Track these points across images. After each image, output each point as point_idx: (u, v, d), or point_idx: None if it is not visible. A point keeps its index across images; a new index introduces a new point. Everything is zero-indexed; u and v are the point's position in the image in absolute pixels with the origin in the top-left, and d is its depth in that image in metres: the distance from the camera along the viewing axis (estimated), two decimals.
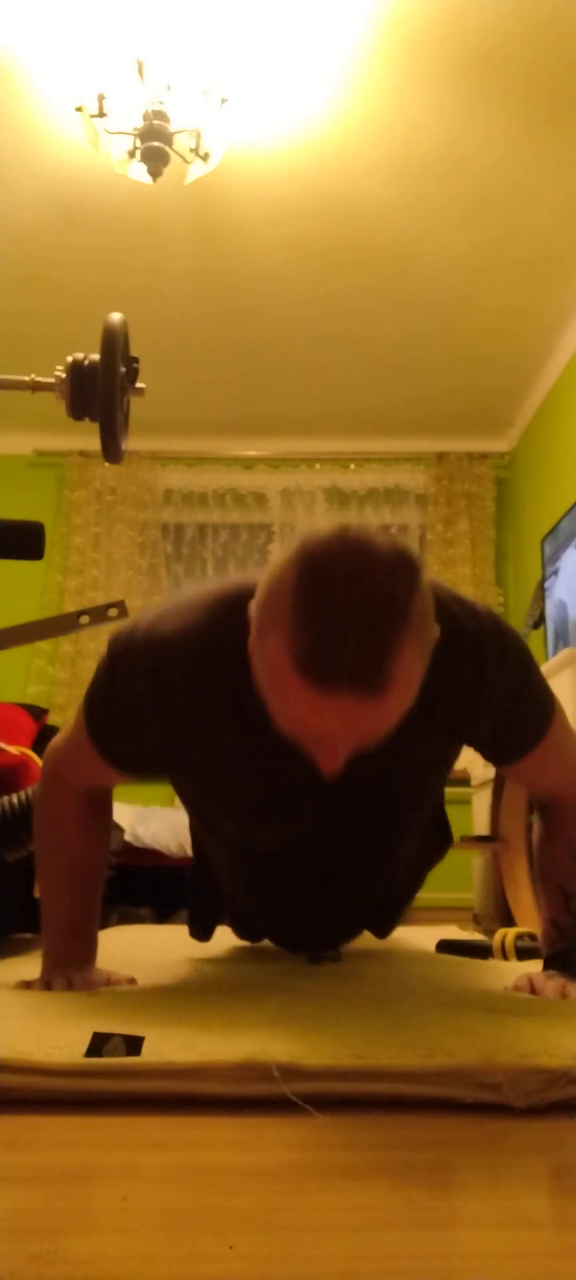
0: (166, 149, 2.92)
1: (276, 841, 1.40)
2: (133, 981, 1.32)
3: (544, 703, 1.32)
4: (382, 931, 1.80)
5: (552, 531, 4.10)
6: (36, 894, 1.43)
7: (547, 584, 4.12)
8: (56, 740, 1.44)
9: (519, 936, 1.85)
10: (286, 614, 0.98)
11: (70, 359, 1.69)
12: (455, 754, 1.40)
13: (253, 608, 1.06)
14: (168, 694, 1.23)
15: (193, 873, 1.75)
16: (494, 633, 1.26)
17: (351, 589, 0.95)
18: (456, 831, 1.81)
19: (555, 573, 4.03)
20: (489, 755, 1.38)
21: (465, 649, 1.22)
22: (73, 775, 1.38)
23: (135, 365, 1.75)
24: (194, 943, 1.84)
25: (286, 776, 1.17)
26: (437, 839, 1.72)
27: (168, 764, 1.38)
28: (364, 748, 1.05)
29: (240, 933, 1.86)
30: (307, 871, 1.46)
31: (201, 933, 1.81)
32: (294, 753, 1.08)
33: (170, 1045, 0.84)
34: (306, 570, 0.98)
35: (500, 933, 1.90)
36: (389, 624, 0.95)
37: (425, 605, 1.01)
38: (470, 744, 1.35)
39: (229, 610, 1.19)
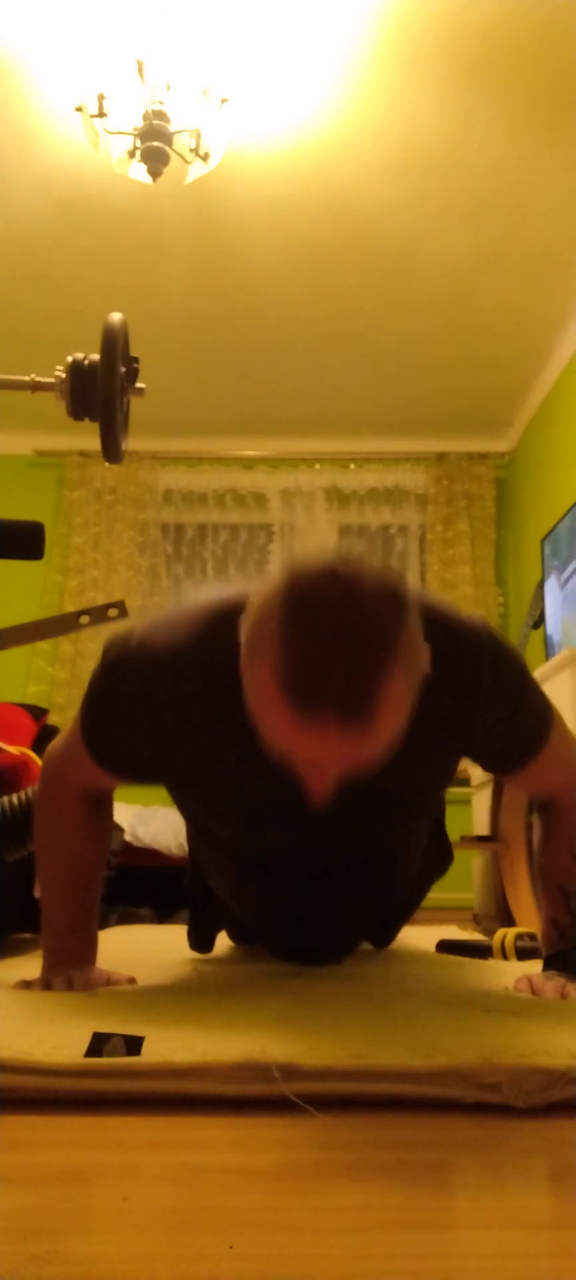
0: (166, 149, 2.92)
1: (274, 842, 1.40)
2: (133, 981, 1.32)
3: (541, 713, 1.32)
4: (380, 942, 1.80)
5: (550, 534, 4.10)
6: (36, 894, 1.43)
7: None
8: (56, 743, 1.44)
9: (519, 936, 1.85)
10: (274, 639, 0.98)
11: (70, 359, 1.69)
12: (453, 765, 1.40)
13: (243, 628, 1.06)
14: (159, 705, 1.23)
15: (190, 884, 1.76)
16: (490, 647, 1.26)
17: (338, 616, 0.96)
18: (456, 832, 1.81)
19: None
20: (488, 766, 1.39)
21: (461, 664, 1.23)
22: (72, 777, 1.38)
23: (135, 365, 1.75)
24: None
25: (280, 789, 1.17)
26: (438, 856, 1.72)
27: (161, 773, 1.39)
28: (353, 777, 1.05)
29: (237, 939, 1.86)
30: (304, 881, 1.46)
31: (201, 945, 1.81)
32: (287, 768, 1.08)
33: (170, 1045, 0.84)
34: (294, 597, 0.98)
35: (500, 933, 1.90)
36: (375, 651, 0.96)
37: (413, 637, 1.01)
38: (468, 756, 1.35)
39: (222, 624, 1.19)
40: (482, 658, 1.24)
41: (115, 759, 1.33)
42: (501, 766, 1.38)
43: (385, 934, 1.77)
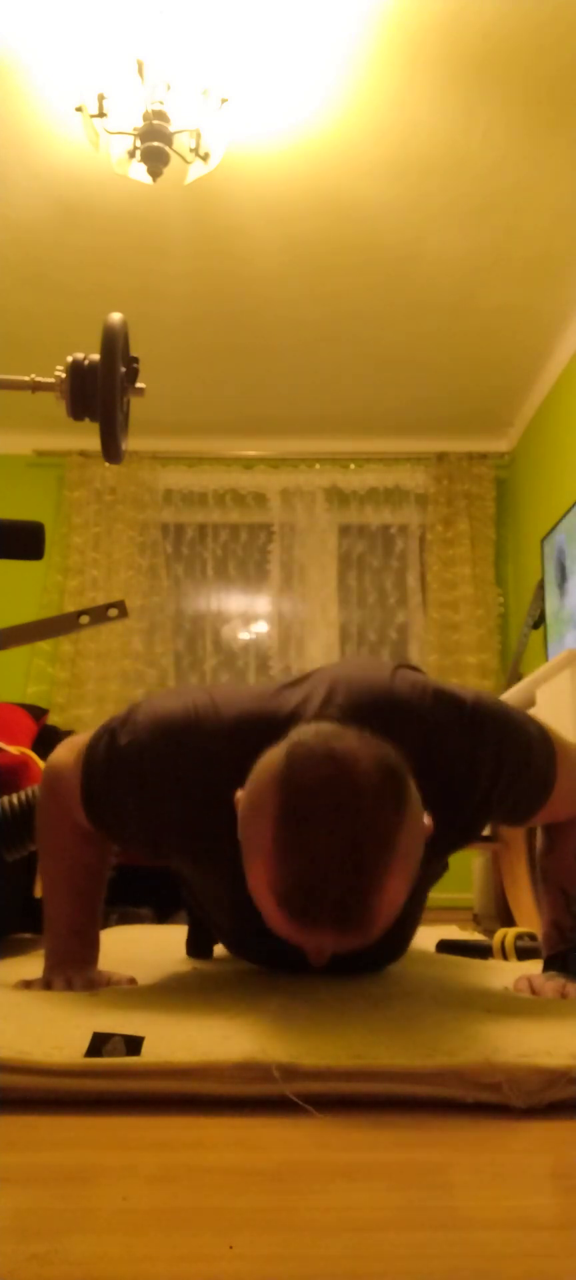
0: (166, 149, 2.92)
1: (267, 962, 1.42)
2: (133, 981, 1.32)
3: (545, 771, 1.29)
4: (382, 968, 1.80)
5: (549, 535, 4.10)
6: (37, 894, 1.43)
7: None
8: (59, 752, 1.41)
9: (519, 936, 1.85)
10: (268, 844, 0.96)
11: (70, 359, 1.69)
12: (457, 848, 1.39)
13: (239, 806, 1.04)
14: (160, 814, 1.24)
15: (186, 905, 1.76)
16: (493, 738, 1.23)
17: (334, 828, 0.93)
18: None
19: None
20: (498, 824, 1.39)
21: (462, 774, 1.21)
22: (73, 788, 1.38)
23: (135, 365, 1.75)
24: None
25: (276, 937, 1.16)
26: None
27: (161, 859, 1.41)
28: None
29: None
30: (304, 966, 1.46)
31: (200, 954, 1.81)
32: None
33: (170, 1045, 0.84)
34: (290, 799, 0.96)
35: (500, 933, 1.90)
36: (372, 864, 0.94)
37: (413, 816, 0.99)
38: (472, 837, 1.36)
39: (236, 743, 1.15)
40: (481, 753, 1.22)
41: (108, 829, 1.34)
42: (510, 824, 1.39)
43: (386, 962, 1.78)
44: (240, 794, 1.06)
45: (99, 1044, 0.81)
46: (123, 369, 1.66)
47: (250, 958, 1.47)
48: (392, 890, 0.96)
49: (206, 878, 1.34)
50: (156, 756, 1.22)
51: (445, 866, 1.74)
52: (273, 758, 1.01)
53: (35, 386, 1.76)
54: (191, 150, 2.99)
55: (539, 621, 4.20)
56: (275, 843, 0.96)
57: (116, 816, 1.30)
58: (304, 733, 1.03)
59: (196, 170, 3.03)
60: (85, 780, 1.30)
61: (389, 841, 0.95)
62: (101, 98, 2.90)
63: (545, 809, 1.32)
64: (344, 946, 0.99)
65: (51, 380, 1.71)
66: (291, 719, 1.15)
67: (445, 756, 1.20)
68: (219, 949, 1.87)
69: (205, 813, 1.20)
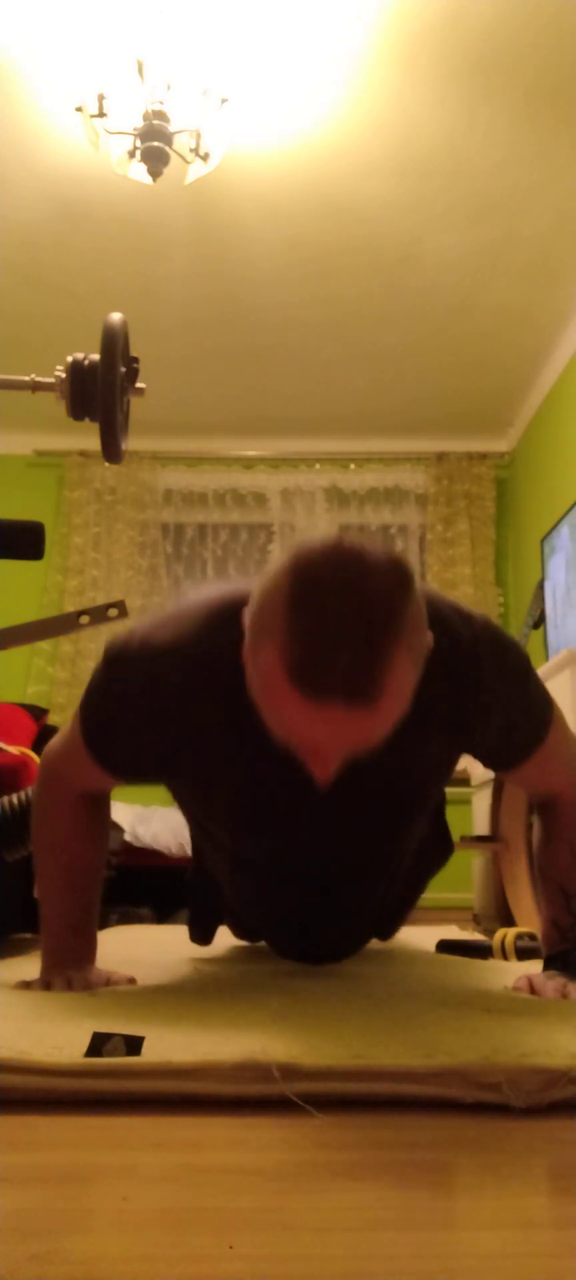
0: (166, 149, 2.92)
1: (274, 848, 1.40)
2: (133, 981, 1.32)
3: (542, 708, 1.32)
4: (384, 935, 1.80)
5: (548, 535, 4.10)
6: (36, 894, 1.43)
7: None
8: (53, 742, 1.43)
9: (519, 936, 1.85)
10: (279, 624, 0.98)
11: (70, 359, 1.69)
12: (454, 760, 1.39)
13: (247, 616, 1.06)
14: (162, 701, 1.23)
15: (192, 876, 1.75)
16: (490, 640, 1.26)
17: (344, 599, 0.96)
18: (456, 831, 1.81)
19: None
20: (488, 763, 1.38)
21: (461, 656, 1.23)
22: (70, 778, 1.38)
23: (135, 365, 1.75)
24: (194, 943, 1.84)
25: (282, 783, 1.17)
26: (439, 846, 1.71)
27: (162, 771, 1.38)
28: (358, 755, 1.05)
29: (239, 934, 1.86)
30: (306, 878, 1.45)
31: (202, 937, 1.81)
32: (289, 759, 1.08)
33: (170, 1045, 0.84)
34: (299, 580, 0.98)
35: (500, 933, 1.90)
36: (381, 634, 0.96)
37: (417, 614, 1.01)
38: (469, 751, 1.35)
39: (224, 618, 1.19)
40: (482, 650, 1.24)
41: (116, 758, 1.32)
42: (501, 762, 1.38)
43: (388, 927, 1.77)
44: (246, 610, 1.07)
45: (99, 1044, 0.81)
46: (123, 369, 1.66)
47: (256, 835, 1.42)
48: (399, 669, 0.97)
49: (213, 767, 1.31)
50: (154, 658, 1.23)
51: (449, 849, 1.74)
52: (279, 563, 1.03)
53: (35, 386, 1.76)
54: (191, 150, 2.99)
55: (539, 621, 4.20)
56: (285, 620, 0.97)
57: (122, 738, 1.29)
58: (308, 538, 1.05)
59: (196, 170, 3.03)
60: (85, 717, 1.31)
61: (396, 618, 0.97)
62: (101, 98, 2.90)
63: (535, 761, 1.33)
64: (353, 735, 1.00)
65: (51, 380, 1.71)
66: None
67: (451, 650, 1.20)
68: (218, 948, 1.88)
69: (206, 686, 1.22)
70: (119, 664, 1.26)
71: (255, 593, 1.05)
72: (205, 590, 1.32)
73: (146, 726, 1.26)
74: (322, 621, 0.95)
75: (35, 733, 2.70)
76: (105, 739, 1.31)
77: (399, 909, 1.73)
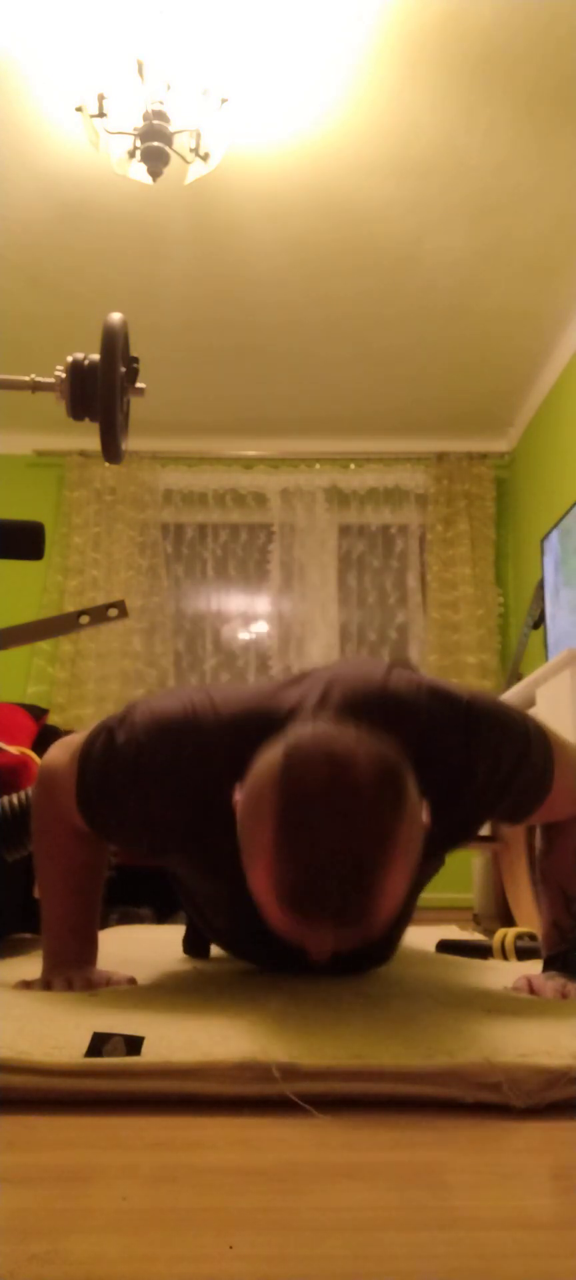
0: (166, 149, 2.92)
1: (266, 962, 1.42)
2: (133, 981, 1.32)
3: (544, 768, 1.29)
4: (383, 963, 1.80)
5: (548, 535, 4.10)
6: (36, 894, 1.43)
7: None
8: (54, 754, 1.40)
9: (519, 936, 1.85)
10: (269, 846, 0.97)
11: (70, 359, 1.69)
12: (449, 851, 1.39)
13: (238, 807, 1.05)
14: (157, 815, 1.23)
15: (184, 907, 1.76)
16: (485, 744, 1.22)
17: (333, 827, 0.94)
18: None
19: None
20: (496, 822, 1.38)
21: (458, 777, 1.21)
22: (67, 801, 1.37)
23: (135, 365, 1.75)
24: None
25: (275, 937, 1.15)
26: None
27: (157, 858, 1.40)
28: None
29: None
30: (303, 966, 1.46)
31: (197, 954, 1.81)
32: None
33: (170, 1045, 0.84)
34: (289, 799, 0.96)
35: (500, 933, 1.90)
36: (371, 862, 0.94)
37: (411, 816, 0.99)
38: (468, 837, 1.36)
39: (234, 741, 1.16)
40: (479, 753, 1.22)
41: (106, 832, 1.34)
42: (508, 821, 1.39)
43: (386, 954, 1.78)
44: (238, 794, 1.06)
45: (99, 1044, 0.81)
46: (123, 369, 1.66)
47: (248, 957, 1.47)
48: (392, 886, 0.97)
49: (204, 878, 1.34)
50: (154, 755, 1.21)
51: (441, 862, 1.74)
52: (270, 758, 1.01)
53: (35, 386, 1.76)
54: (191, 150, 2.99)
55: (539, 621, 4.20)
56: (275, 845, 0.96)
57: (113, 817, 1.29)
58: (301, 733, 1.03)
59: (196, 170, 3.03)
60: (81, 781, 1.29)
61: (388, 839, 0.95)
62: (101, 98, 2.90)
63: (543, 807, 1.32)
64: (345, 943, 0.99)
65: (51, 380, 1.71)
66: (288, 716, 1.16)
67: (441, 753, 1.20)
68: (216, 949, 1.88)
69: (203, 811, 1.20)
70: (120, 756, 1.24)
71: (247, 783, 1.03)
72: (224, 698, 1.25)
73: (140, 824, 1.26)
74: (312, 852, 0.94)
75: (35, 733, 2.70)
76: (96, 811, 1.30)
77: (394, 938, 1.73)
